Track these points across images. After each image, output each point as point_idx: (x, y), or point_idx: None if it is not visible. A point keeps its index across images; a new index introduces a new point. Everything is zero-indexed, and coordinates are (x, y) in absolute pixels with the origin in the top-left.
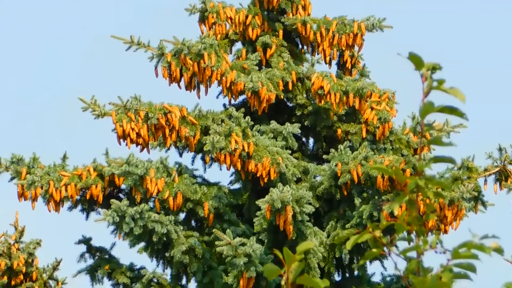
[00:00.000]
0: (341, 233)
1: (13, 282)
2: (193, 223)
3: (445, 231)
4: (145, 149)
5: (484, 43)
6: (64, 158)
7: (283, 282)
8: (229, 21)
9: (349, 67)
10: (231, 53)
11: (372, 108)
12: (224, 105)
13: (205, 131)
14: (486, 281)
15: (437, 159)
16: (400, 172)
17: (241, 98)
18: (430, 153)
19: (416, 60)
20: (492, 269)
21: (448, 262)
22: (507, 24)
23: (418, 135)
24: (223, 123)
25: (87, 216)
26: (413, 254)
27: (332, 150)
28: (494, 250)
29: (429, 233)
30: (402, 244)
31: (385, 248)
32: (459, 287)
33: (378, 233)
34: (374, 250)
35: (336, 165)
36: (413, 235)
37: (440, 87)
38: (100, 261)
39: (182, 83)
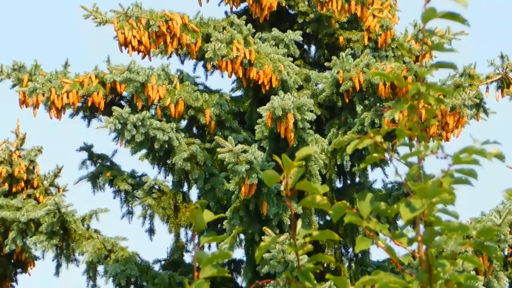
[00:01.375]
0: (341, 138)
1: (14, 189)
2: (194, 130)
3: (447, 138)
4: (147, 56)
5: None
6: (66, 65)
7: (282, 188)
8: None
9: None
10: None
11: (374, 16)
12: (226, 12)
13: (207, 38)
14: (488, 187)
15: (439, 65)
16: (401, 78)
17: (242, 5)
18: (432, 61)
19: None
20: (494, 175)
21: (449, 167)
22: None
23: (420, 42)
24: (224, 31)
25: (89, 123)
26: (414, 159)
27: (334, 57)
28: (495, 156)
29: (431, 140)
30: (404, 150)
31: (385, 154)
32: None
33: (379, 138)
34: (375, 155)
35: (337, 73)
36: (414, 141)
37: None
38: (102, 168)
39: None
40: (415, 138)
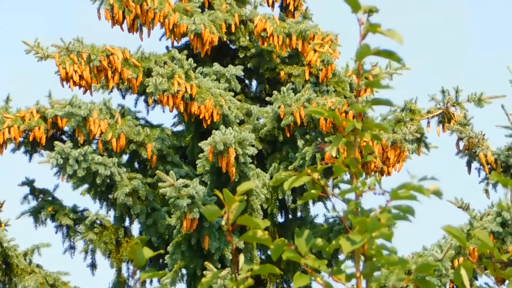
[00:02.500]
0: (279, 175)
1: None
2: (136, 165)
3: (388, 173)
4: (88, 91)
5: None
6: (7, 100)
7: (223, 223)
8: None
9: (292, 10)
10: None
11: (315, 50)
12: (167, 47)
13: (148, 73)
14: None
15: (375, 102)
16: (337, 115)
17: (184, 40)
18: (373, 95)
19: (353, 3)
20: (438, 208)
21: (387, 203)
22: None
23: (357, 79)
24: (165, 65)
25: (30, 158)
26: (352, 196)
27: (275, 92)
28: (433, 193)
29: (373, 175)
30: (345, 186)
31: (325, 190)
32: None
33: (316, 175)
34: (312, 191)
35: (279, 107)
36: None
37: (377, 30)
38: (44, 202)
39: (124, 26)
40: (353, 174)
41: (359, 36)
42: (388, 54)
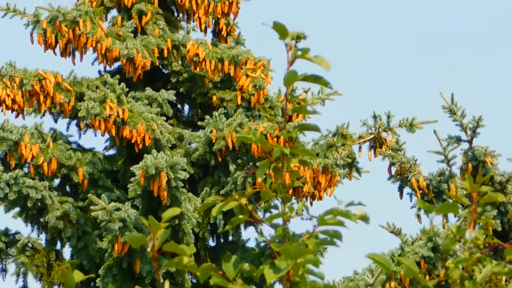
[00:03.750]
0: (207, 200)
1: None
2: (67, 188)
3: (320, 197)
4: (20, 115)
5: (356, 9)
6: None
7: (149, 249)
8: None
9: (225, 35)
10: (106, 20)
11: (247, 75)
12: (99, 71)
13: (80, 97)
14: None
15: (303, 127)
16: (264, 141)
17: (116, 65)
18: (305, 120)
19: (280, 29)
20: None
21: (314, 228)
22: None
23: (293, 103)
24: (98, 90)
25: None
26: (279, 221)
27: (207, 117)
28: (360, 218)
29: (304, 199)
30: (274, 211)
31: (252, 216)
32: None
33: (243, 200)
34: (240, 216)
35: (211, 132)
36: (279, 202)
37: (304, 56)
38: None
39: (57, 50)
40: (280, 200)
41: (287, 62)
42: (316, 79)
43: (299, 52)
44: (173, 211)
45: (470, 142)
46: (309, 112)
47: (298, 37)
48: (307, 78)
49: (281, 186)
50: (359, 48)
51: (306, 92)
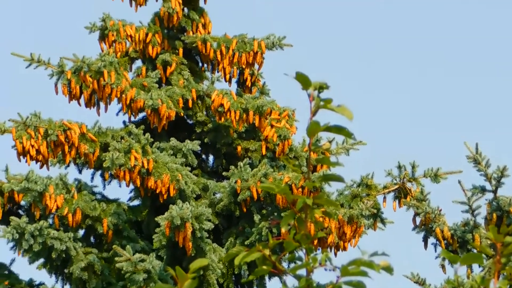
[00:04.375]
0: (230, 250)
1: None
2: (92, 239)
3: (344, 248)
4: (45, 165)
5: (381, 61)
6: None
7: None
8: (129, 39)
9: (249, 85)
10: (131, 71)
11: (272, 126)
12: (124, 122)
13: (105, 148)
14: None
15: (326, 177)
16: (287, 191)
17: (141, 115)
18: (329, 170)
19: (303, 80)
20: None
21: (337, 279)
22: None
23: (317, 153)
24: (122, 140)
25: None
26: (303, 272)
27: (232, 167)
28: (383, 268)
29: (329, 250)
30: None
31: (276, 266)
32: None
33: (267, 251)
34: (263, 267)
35: (235, 182)
36: (303, 253)
37: (327, 106)
38: (0, 277)
39: (82, 100)
40: (304, 250)
41: (309, 113)
42: (339, 130)
43: (322, 102)
44: (201, 262)
45: (494, 192)
46: (332, 164)
47: (321, 87)
48: (329, 128)
49: (305, 236)
50: (384, 97)
51: (330, 142)
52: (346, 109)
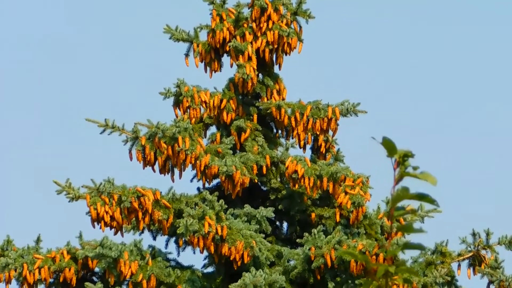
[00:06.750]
0: None
1: None
2: None
3: None
4: (119, 232)
5: (456, 125)
6: (38, 240)
7: None
8: (204, 105)
9: (323, 151)
10: (205, 137)
11: (346, 193)
12: (198, 188)
13: (179, 214)
14: None
15: (407, 246)
16: (369, 260)
17: (215, 181)
18: (404, 238)
19: (389, 146)
20: None
21: None
22: (478, 108)
23: (390, 221)
24: (196, 206)
25: None
26: None
27: (306, 234)
28: None
29: None
30: None
31: None
32: None
33: None
34: None
35: (309, 249)
36: None
37: (411, 174)
38: None
39: (156, 166)
40: None
41: (392, 180)
42: (422, 197)
43: (409, 169)
44: None
45: None
46: (415, 231)
47: (406, 155)
48: (414, 197)
49: None
50: (457, 169)
51: (408, 206)
52: (429, 175)
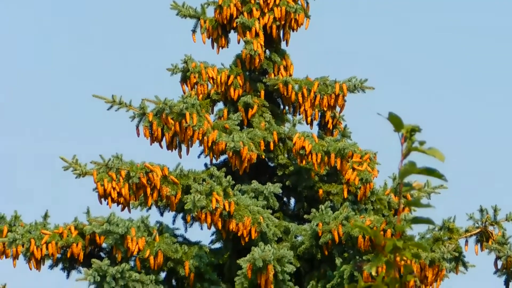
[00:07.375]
0: None
1: None
2: (173, 282)
3: None
4: (126, 208)
5: (466, 104)
6: (46, 216)
7: None
8: (211, 81)
9: (331, 128)
10: (212, 113)
11: (353, 169)
12: (206, 164)
13: (186, 190)
14: None
15: (416, 221)
16: (378, 234)
17: (222, 157)
18: (411, 214)
19: (396, 121)
20: None
21: None
22: (488, 87)
23: (398, 196)
24: (204, 182)
25: (68, 275)
26: None
27: (313, 210)
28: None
29: None
30: None
31: None
32: None
33: None
34: None
35: (317, 225)
36: None
37: (419, 149)
38: None
39: (163, 143)
40: None
41: (400, 155)
42: (430, 172)
43: (416, 143)
44: None
45: None
46: (423, 205)
47: (413, 130)
48: (422, 171)
49: (394, 280)
50: (463, 142)
51: (415, 182)
52: (437, 151)
